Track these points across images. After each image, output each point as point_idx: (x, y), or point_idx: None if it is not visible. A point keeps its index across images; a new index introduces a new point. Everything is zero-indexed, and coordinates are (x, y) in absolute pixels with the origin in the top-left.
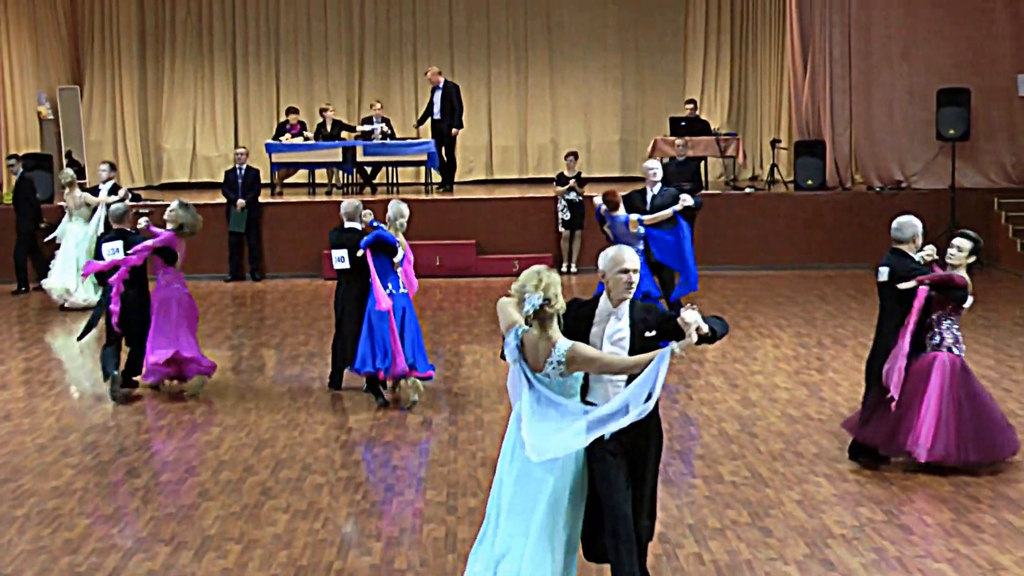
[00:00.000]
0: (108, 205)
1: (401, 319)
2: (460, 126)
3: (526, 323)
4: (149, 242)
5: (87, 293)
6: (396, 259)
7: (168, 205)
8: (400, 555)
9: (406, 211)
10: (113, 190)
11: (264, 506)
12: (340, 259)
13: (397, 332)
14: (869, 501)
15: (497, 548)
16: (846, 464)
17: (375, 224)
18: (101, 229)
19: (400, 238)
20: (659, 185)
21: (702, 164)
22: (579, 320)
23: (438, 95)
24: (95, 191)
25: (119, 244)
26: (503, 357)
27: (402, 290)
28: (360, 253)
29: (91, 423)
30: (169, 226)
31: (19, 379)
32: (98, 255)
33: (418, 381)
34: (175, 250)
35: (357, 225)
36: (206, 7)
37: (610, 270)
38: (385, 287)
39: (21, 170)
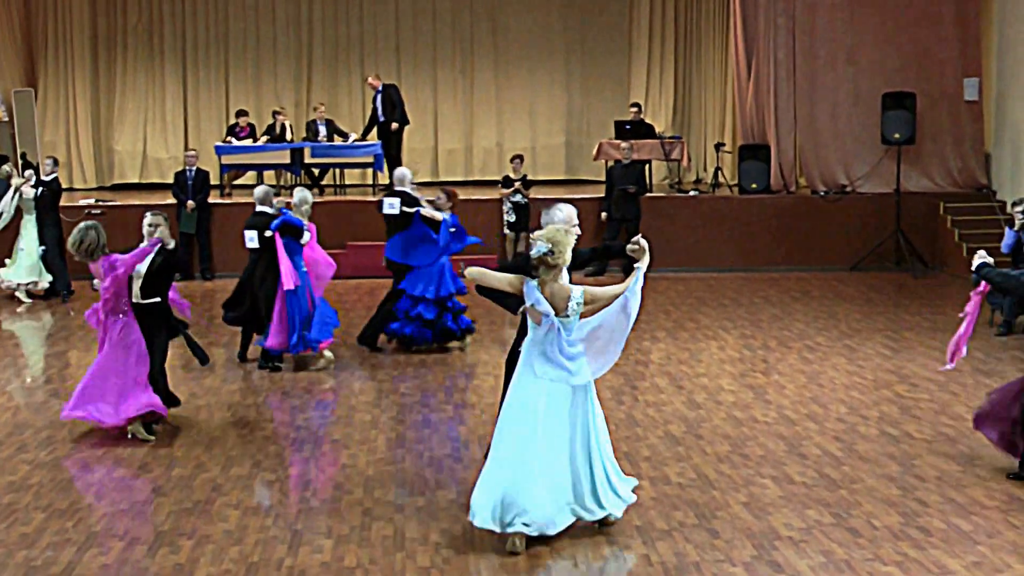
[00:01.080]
0: (18, 190)
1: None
2: (405, 122)
3: (530, 273)
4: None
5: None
6: (303, 240)
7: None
8: (350, 553)
9: (310, 197)
10: (37, 184)
11: (215, 503)
12: (251, 239)
13: (313, 307)
14: (817, 504)
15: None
16: (792, 467)
17: (282, 210)
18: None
19: (306, 222)
20: None
21: (647, 167)
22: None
23: (378, 98)
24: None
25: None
26: (515, 311)
27: (303, 269)
28: (268, 234)
29: (47, 419)
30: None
31: None
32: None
33: (326, 352)
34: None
35: (268, 209)
36: (157, 11)
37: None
38: (295, 263)
39: None
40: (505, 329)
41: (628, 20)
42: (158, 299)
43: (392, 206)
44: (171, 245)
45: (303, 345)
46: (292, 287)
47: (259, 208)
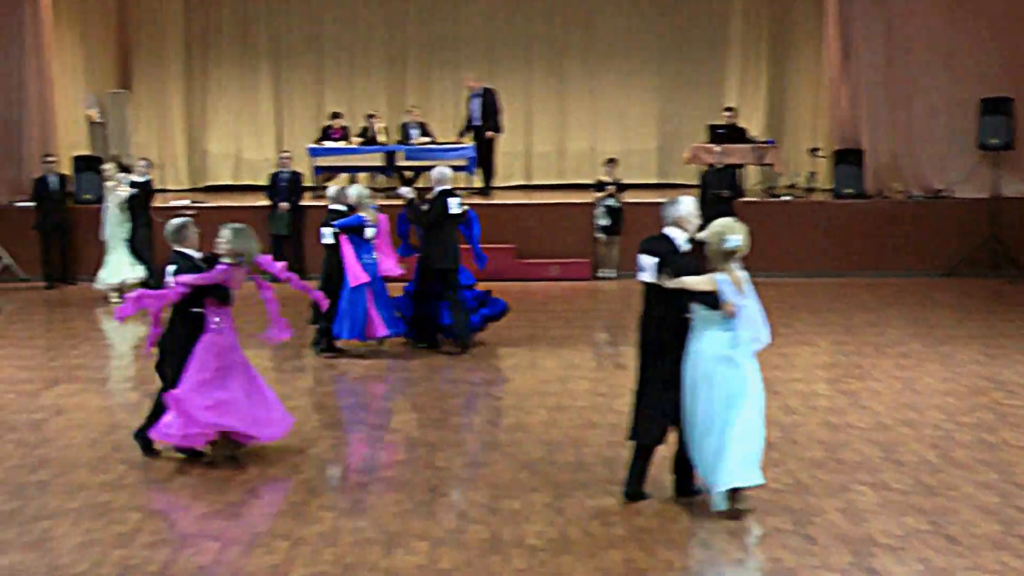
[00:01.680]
0: (112, 192)
1: (380, 285)
2: (499, 131)
3: (717, 269)
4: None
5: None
6: (368, 236)
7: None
8: (445, 555)
9: (365, 191)
10: (133, 184)
11: (310, 504)
12: (324, 236)
13: (374, 299)
14: (914, 511)
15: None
16: (889, 473)
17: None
18: (112, 213)
19: (370, 216)
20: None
21: (740, 171)
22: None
23: (477, 102)
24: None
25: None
26: (716, 306)
27: (373, 260)
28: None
29: (140, 418)
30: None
31: (71, 374)
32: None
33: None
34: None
35: (342, 207)
36: (251, 12)
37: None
38: (361, 258)
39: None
40: (596, 332)
41: (722, 24)
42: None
43: (324, 236)
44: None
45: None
46: (357, 283)
47: (332, 206)
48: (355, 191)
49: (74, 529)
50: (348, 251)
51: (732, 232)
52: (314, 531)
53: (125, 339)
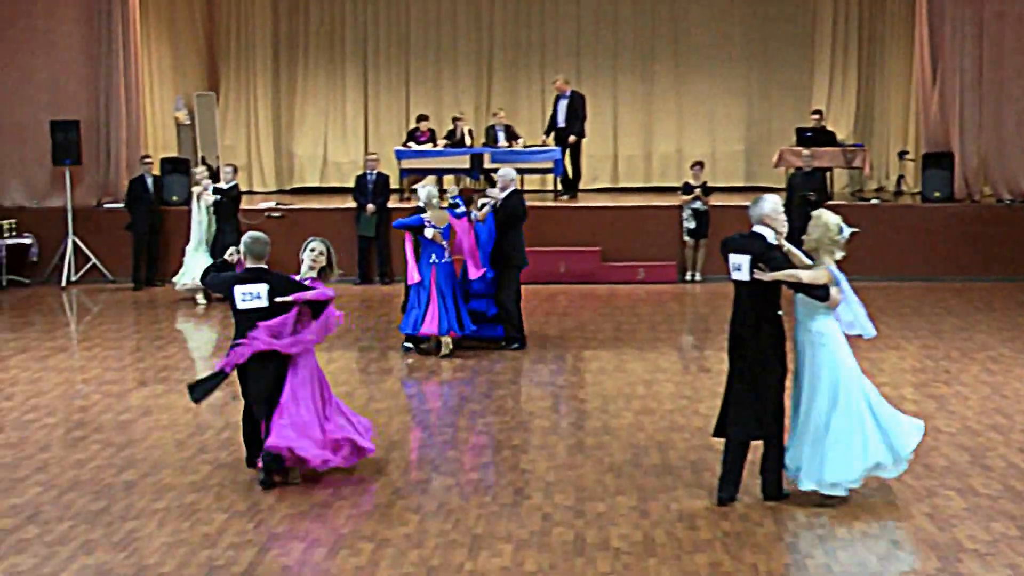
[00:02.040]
0: (198, 197)
1: (446, 285)
2: (583, 135)
3: (822, 260)
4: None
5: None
6: (427, 234)
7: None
8: (529, 558)
9: (435, 191)
10: (217, 191)
11: (395, 506)
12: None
13: (435, 298)
14: (1002, 516)
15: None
16: (976, 478)
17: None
18: (203, 222)
19: (435, 215)
20: (510, 191)
21: (828, 175)
22: None
23: (563, 104)
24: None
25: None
26: (824, 298)
27: (444, 259)
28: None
29: (227, 420)
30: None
31: (158, 376)
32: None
33: (447, 339)
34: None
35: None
36: (339, 15)
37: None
38: (428, 257)
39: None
40: (682, 335)
41: (811, 26)
42: None
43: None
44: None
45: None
46: (412, 282)
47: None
48: (425, 192)
49: (160, 530)
50: (409, 250)
51: (843, 223)
52: (399, 533)
53: (211, 341)
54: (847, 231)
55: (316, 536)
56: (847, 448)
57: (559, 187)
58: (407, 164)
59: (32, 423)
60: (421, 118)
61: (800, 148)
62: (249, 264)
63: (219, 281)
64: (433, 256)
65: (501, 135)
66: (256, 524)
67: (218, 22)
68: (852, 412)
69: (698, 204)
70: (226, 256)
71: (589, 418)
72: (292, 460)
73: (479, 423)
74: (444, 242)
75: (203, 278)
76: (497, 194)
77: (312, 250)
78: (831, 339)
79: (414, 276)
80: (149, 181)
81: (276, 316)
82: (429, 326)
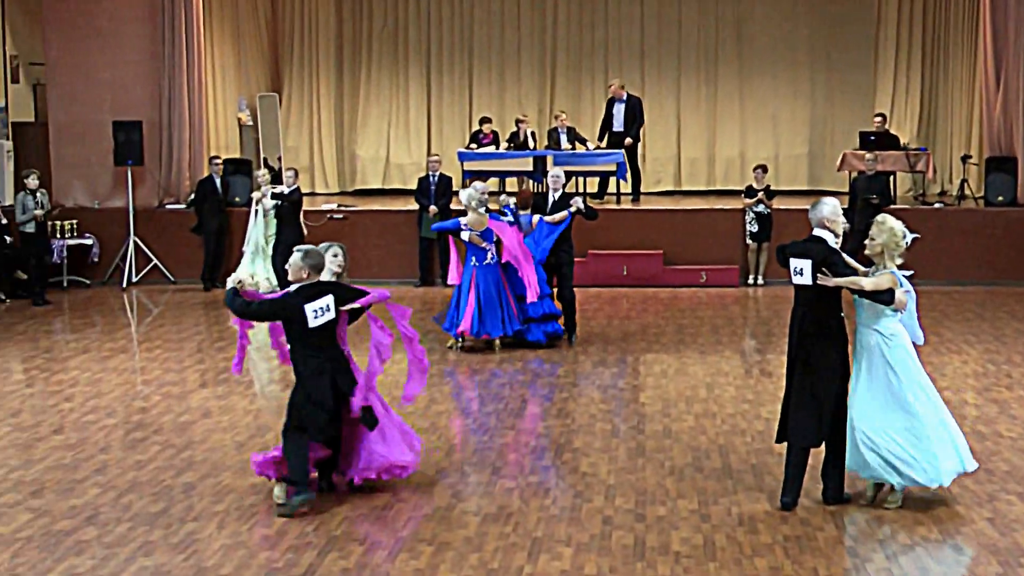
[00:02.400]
0: (258, 202)
1: (490, 287)
2: (638, 139)
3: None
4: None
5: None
6: (463, 237)
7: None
8: (589, 561)
9: (475, 192)
10: (276, 196)
11: (455, 509)
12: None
13: (472, 299)
14: None
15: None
16: None
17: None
18: (260, 226)
19: (474, 218)
20: (560, 192)
21: (891, 179)
22: None
23: (619, 108)
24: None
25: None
26: (889, 302)
27: (487, 261)
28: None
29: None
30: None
31: (218, 378)
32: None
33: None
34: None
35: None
36: (403, 17)
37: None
38: (470, 259)
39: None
40: (744, 339)
41: (875, 29)
42: None
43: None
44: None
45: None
46: (452, 282)
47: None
48: (465, 194)
49: (219, 532)
50: (453, 251)
51: (906, 228)
52: (459, 536)
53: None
54: (910, 237)
55: (376, 539)
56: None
57: (622, 189)
58: (470, 166)
59: (92, 424)
60: (484, 120)
61: (863, 152)
62: (312, 279)
63: (279, 306)
64: (474, 259)
65: (563, 137)
66: (315, 527)
67: (282, 23)
68: (921, 412)
69: (761, 207)
70: (234, 285)
71: (650, 421)
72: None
73: (540, 426)
74: (485, 244)
75: (236, 308)
76: (579, 203)
77: (336, 256)
78: (901, 339)
79: (454, 277)
80: (218, 182)
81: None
82: (464, 325)
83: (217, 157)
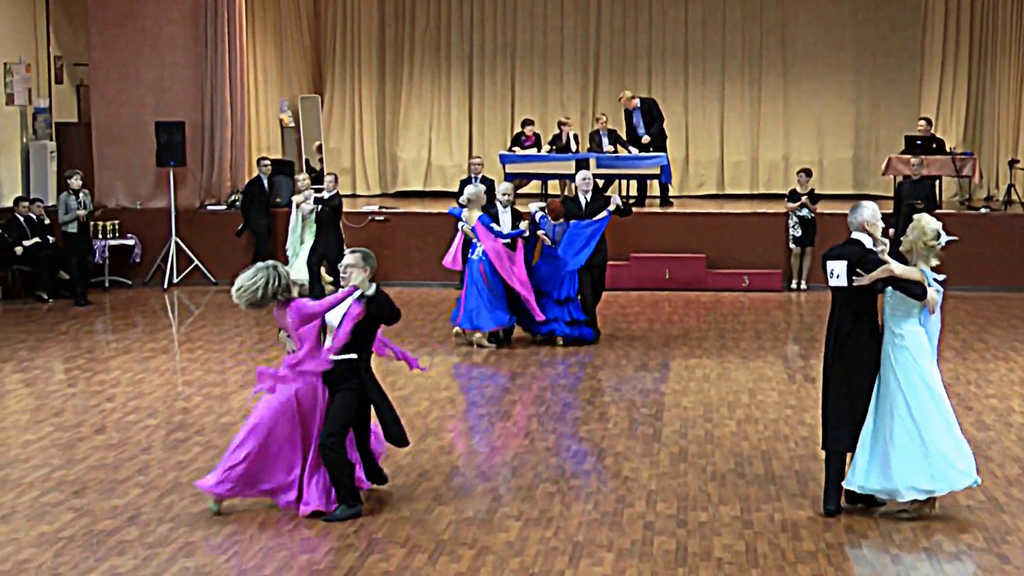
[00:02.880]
0: (298, 207)
1: (477, 280)
2: (662, 135)
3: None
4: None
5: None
6: (459, 226)
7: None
8: (631, 567)
9: (470, 191)
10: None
11: (496, 513)
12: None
13: (465, 293)
14: None
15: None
16: None
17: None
18: (298, 230)
19: (468, 214)
20: (591, 193)
21: (937, 183)
22: None
23: (637, 116)
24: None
25: None
26: (921, 296)
27: (475, 255)
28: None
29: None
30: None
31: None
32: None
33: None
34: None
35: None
36: (445, 19)
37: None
38: (471, 251)
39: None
40: (787, 344)
41: (921, 33)
42: (353, 356)
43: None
44: (371, 291)
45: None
46: (444, 265)
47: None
48: (469, 189)
49: (261, 533)
50: (458, 237)
51: (942, 230)
52: (500, 540)
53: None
54: (944, 239)
55: (417, 542)
56: (912, 455)
57: (668, 192)
58: (512, 168)
59: (134, 424)
60: (526, 122)
61: (909, 156)
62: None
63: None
64: (472, 252)
65: (605, 140)
66: (356, 529)
67: (324, 25)
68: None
69: (805, 212)
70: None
71: (692, 426)
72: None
73: (582, 430)
74: (476, 239)
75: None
76: (617, 200)
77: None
78: (911, 341)
79: (448, 261)
80: (265, 183)
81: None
82: (457, 320)
83: (265, 158)
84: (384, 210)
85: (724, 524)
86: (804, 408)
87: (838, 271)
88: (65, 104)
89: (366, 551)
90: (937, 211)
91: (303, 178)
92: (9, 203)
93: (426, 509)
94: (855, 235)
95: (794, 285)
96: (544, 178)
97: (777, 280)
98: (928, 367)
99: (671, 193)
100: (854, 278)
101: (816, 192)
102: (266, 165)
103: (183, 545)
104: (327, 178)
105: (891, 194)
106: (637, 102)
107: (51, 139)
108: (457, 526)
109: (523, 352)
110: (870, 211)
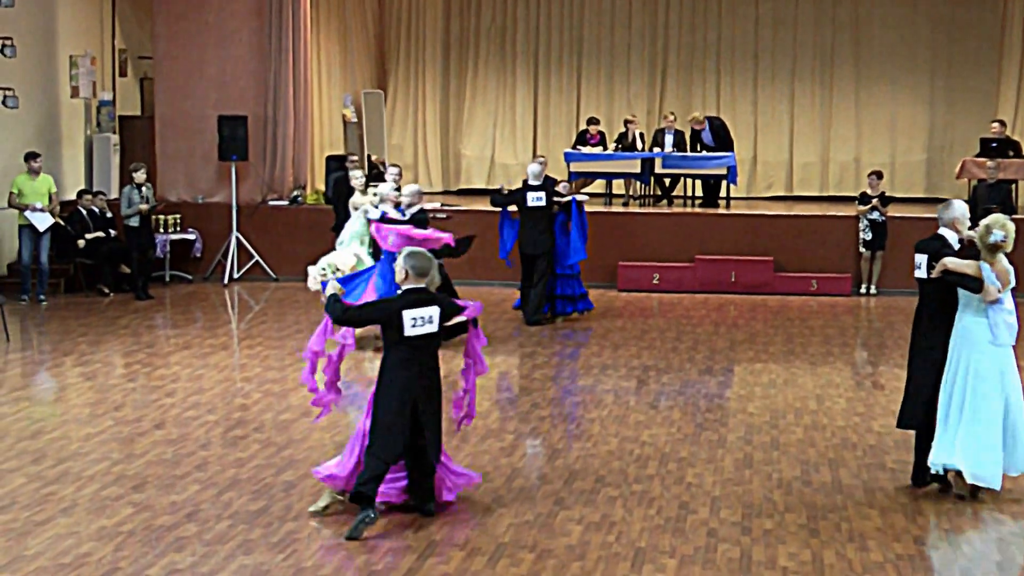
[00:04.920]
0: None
1: None
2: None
3: (981, 256)
4: None
5: None
6: None
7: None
8: (694, 574)
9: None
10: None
11: (557, 516)
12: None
13: None
14: None
15: None
16: None
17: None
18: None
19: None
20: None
21: (1013, 187)
22: None
23: (707, 135)
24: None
25: None
26: (976, 290)
27: None
28: None
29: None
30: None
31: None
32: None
33: None
34: None
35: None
36: (511, 15)
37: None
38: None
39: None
40: (855, 350)
41: (999, 33)
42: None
43: (539, 199)
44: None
45: None
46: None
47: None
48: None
49: (319, 532)
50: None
51: (999, 227)
52: (561, 544)
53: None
54: (997, 236)
55: (476, 544)
56: (983, 443)
57: (731, 194)
58: (576, 167)
59: (193, 420)
60: (592, 121)
61: (984, 159)
62: (412, 284)
63: (376, 309)
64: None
65: (669, 139)
66: (416, 530)
67: (388, 20)
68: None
69: (875, 215)
70: (334, 291)
71: (758, 432)
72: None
73: (644, 434)
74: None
75: (333, 314)
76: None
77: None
78: (967, 334)
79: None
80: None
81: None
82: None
83: (353, 155)
84: (446, 208)
85: (790, 532)
86: (872, 416)
87: (921, 263)
88: (129, 97)
89: (425, 553)
90: (1013, 216)
91: (358, 175)
92: (72, 196)
93: (486, 511)
94: (942, 231)
95: (864, 290)
96: (609, 177)
97: (846, 284)
98: (986, 358)
99: (736, 194)
100: (932, 272)
101: (887, 195)
102: (353, 162)
103: (241, 543)
104: (391, 170)
105: (966, 198)
106: (706, 124)
107: (114, 132)
108: (517, 529)
109: (585, 354)
110: (960, 210)
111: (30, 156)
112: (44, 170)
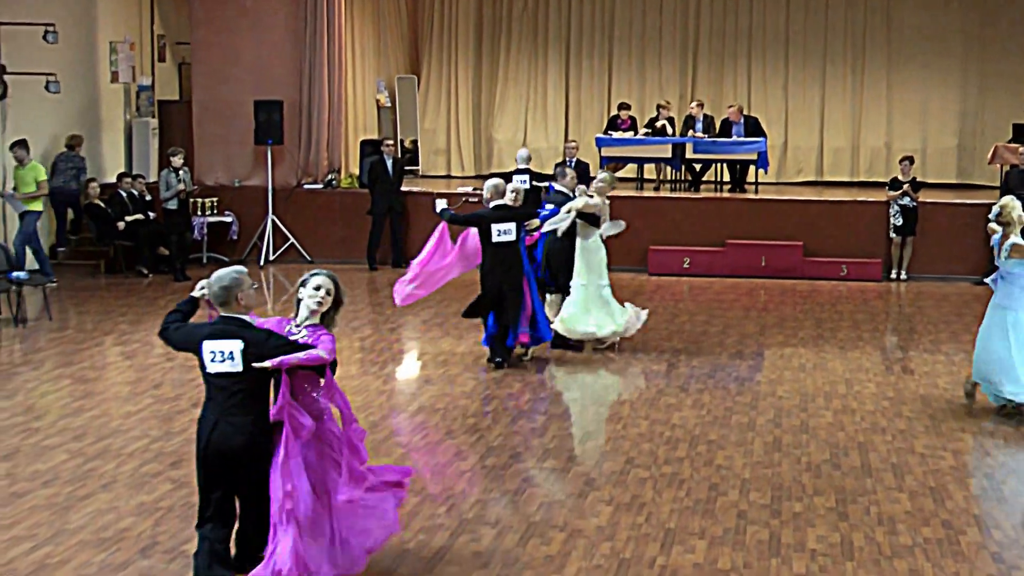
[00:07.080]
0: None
1: None
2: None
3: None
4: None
5: None
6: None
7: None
8: (723, 555)
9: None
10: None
11: (588, 497)
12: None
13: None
14: None
15: None
16: None
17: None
18: None
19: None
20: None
21: None
22: None
23: (737, 129)
24: None
25: None
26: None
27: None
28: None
29: (419, 404)
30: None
31: (352, 358)
32: None
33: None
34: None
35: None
36: (543, 0)
37: None
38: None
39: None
40: (886, 335)
41: None
42: None
43: (523, 182)
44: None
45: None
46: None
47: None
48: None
49: None
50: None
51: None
52: (591, 524)
53: (409, 322)
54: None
55: (507, 523)
56: None
57: (760, 179)
58: (607, 152)
59: None
60: (623, 106)
61: (1016, 145)
62: (222, 312)
63: (183, 337)
64: None
65: (699, 125)
66: (448, 508)
67: (421, 5)
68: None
69: (906, 200)
70: (195, 292)
71: (787, 416)
72: None
73: (675, 416)
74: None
75: (162, 331)
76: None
77: (318, 288)
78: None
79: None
80: (389, 163)
81: (252, 383)
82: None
83: (389, 139)
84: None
85: (819, 515)
86: (902, 400)
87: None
88: (167, 82)
89: (456, 531)
90: None
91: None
92: (112, 179)
93: (517, 490)
94: None
95: (894, 275)
96: (639, 161)
97: (877, 270)
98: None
99: (767, 179)
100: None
101: (918, 180)
102: (389, 146)
103: None
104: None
105: (997, 184)
106: (741, 117)
107: (153, 116)
108: (548, 508)
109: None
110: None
111: (15, 144)
112: (85, 152)
